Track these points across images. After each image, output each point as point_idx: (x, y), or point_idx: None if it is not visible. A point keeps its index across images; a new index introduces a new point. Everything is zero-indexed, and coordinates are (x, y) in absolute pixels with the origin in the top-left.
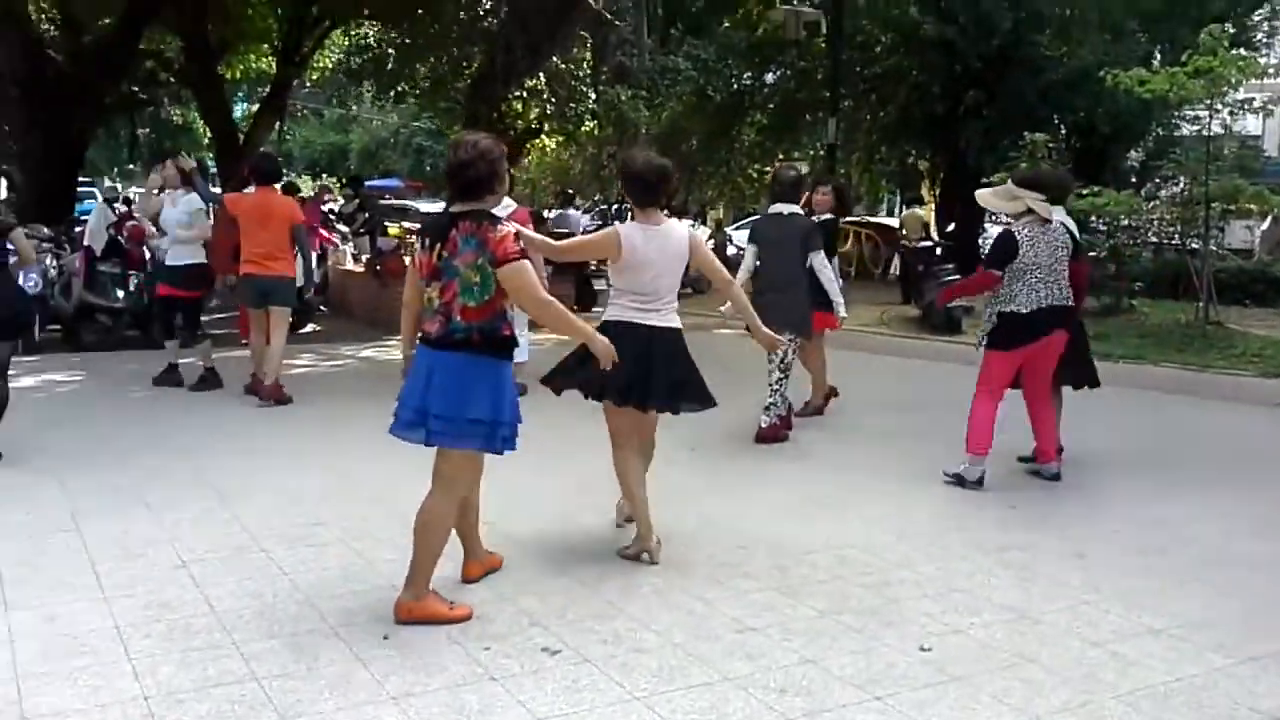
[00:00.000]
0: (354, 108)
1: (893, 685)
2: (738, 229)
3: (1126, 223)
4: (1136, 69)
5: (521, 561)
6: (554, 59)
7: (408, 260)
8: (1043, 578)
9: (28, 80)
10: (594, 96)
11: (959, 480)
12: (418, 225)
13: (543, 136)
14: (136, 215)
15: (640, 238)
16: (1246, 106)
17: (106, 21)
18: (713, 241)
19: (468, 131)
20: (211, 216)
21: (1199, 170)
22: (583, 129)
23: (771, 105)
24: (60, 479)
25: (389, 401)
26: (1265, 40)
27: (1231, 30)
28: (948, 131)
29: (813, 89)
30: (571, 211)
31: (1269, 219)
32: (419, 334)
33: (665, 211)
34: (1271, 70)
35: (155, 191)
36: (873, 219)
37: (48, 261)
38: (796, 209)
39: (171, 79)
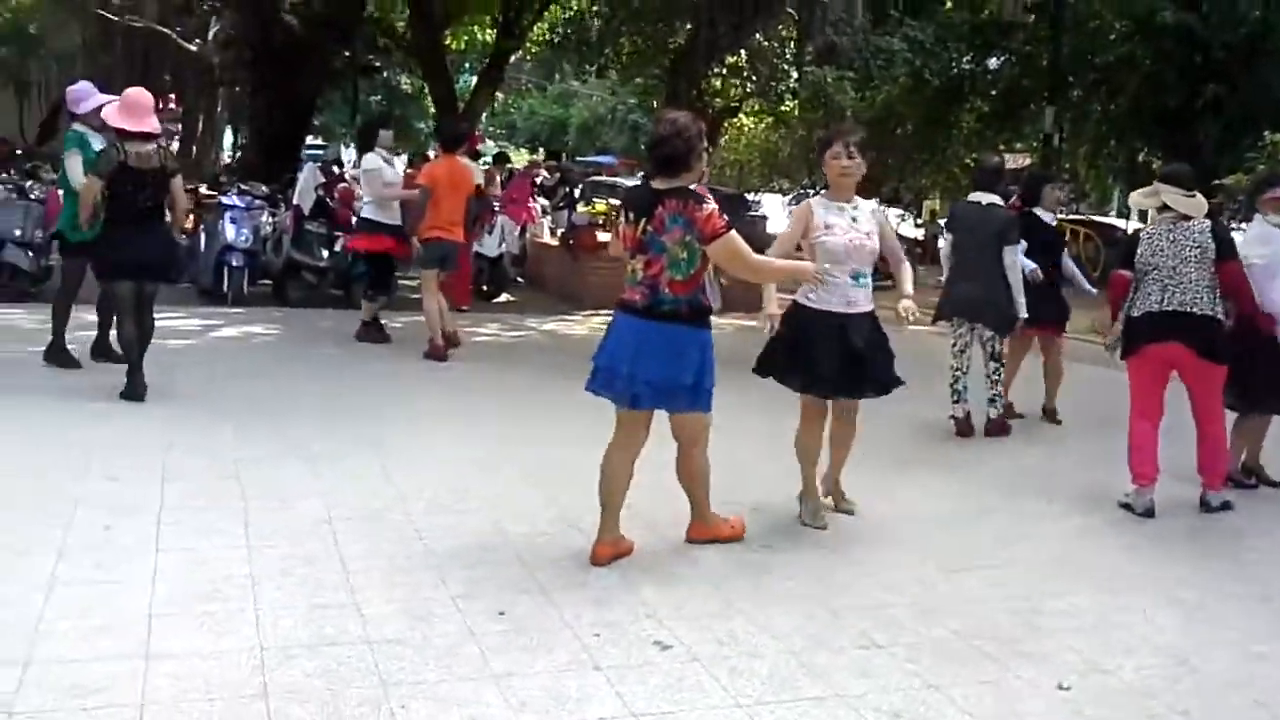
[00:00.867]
0: (573, 83)
1: None
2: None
3: None
4: None
5: (654, 550)
6: (757, 35)
7: (600, 236)
8: (1215, 622)
9: (259, 44)
10: (795, 76)
11: (1129, 508)
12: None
13: (742, 115)
14: (347, 178)
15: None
16: None
17: None
18: (924, 231)
19: (670, 108)
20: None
21: None
22: (782, 109)
23: (993, 92)
24: (237, 423)
25: (563, 376)
26: None
27: None
28: (1182, 127)
29: (1038, 76)
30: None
31: None
32: (619, 302)
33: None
34: None
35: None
36: (1098, 218)
37: (263, 218)
38: (996, 199)
39: (400, 46)
